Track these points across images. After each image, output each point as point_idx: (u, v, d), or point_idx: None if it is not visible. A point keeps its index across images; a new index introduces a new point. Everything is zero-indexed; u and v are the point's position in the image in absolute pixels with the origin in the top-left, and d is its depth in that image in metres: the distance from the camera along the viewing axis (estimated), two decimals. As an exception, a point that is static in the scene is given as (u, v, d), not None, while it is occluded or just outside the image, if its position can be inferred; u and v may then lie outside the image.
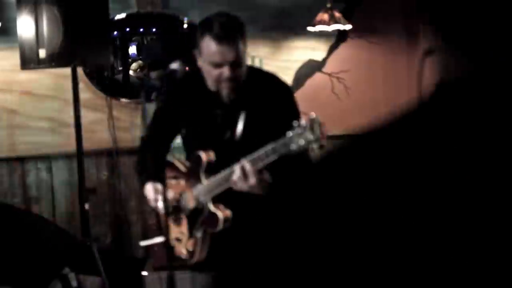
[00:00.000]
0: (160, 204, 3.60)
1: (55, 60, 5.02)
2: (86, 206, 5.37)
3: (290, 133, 3.04)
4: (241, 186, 3.32)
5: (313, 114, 3.00)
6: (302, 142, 3.00)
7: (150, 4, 6.09)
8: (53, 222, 5.86)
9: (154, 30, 5.92)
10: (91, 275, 5.34)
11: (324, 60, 6.85)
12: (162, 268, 5.22)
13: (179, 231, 3.71)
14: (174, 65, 3.51)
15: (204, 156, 3.53)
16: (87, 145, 5.45)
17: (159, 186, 3.62)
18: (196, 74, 3.60)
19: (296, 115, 3.56)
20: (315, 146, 2.99)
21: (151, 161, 3.86)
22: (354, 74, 6.90)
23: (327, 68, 6.85)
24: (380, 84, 7.06)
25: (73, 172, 5.96)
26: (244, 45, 3.46)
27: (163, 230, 3.81)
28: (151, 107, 6.08)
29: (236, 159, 3.36)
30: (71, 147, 5.60)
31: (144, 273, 5.32)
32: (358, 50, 6.92)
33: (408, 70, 7.10)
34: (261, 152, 3.22)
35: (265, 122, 3.50)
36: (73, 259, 5.33)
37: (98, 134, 6.08)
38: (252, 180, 3.28)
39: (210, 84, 3.51)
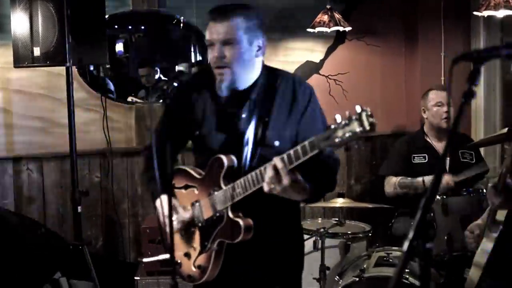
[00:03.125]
0: (175, 224, 3.40)
1: (50, 58, 4.87)
2: (79, 208, 5.25)
3: (334, 125, 2.72)
4: (273, 188, 3.01)
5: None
6: (348, 134, 2.67)
7: (146, 2, 5.97)
8: (44, 225, 5.72)
9: (143, 28, 5.82)
10: (83, 279, 5.23)
11: (322, 62, 6.78)
12: (154, 273, 5.17)
13: (188, 246, 3.46)
14: (181, 67, 3.33)
15: (225, 159, 3.27)
16: (79, 145, 5.32)
17: (174, 202, 3.45)
18: (207, 72, 3.41)
19: (322, 117, 3.43)
20: (361, 139, 2.70)
21: (160, 169, 3.66)
22: (352, 76, 6.86)
23: (324, 70, 6.79)
24: (378, 86, 7.02)
25: (65, 174, 5.85)
26: (245, 29, 3.25)
27: (168, 247, 3.63)
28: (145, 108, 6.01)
29: (258, 165, 3.14)
30: (63, 147, 5.51)
31: (136, 277, 5.20)
32: (356, 52, 6.87)
33: (406, 72, 7.04)
34: (297, 148, 2.92)
35: (288, 124, 3.33)
36: (64, 263, 5.22)
37: (91, 134, 5.96)
38: (286, 180, 2.97)
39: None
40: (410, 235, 1.99)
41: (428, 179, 5.57)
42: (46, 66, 5.13)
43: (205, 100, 3.39)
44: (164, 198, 3.47)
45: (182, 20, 5.90)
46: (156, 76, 6.45)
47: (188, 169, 3.46)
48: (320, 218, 6.09)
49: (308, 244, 5.36)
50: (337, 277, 5.04)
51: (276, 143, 3.30)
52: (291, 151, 2.93)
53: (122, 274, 5.76)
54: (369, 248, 5.30)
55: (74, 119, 5.21)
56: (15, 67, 4.98)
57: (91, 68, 5.74)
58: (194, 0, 6.08)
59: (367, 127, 2.62)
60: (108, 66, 5.73)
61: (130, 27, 5.77)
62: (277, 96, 3.35)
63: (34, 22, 4.85)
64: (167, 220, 3.41)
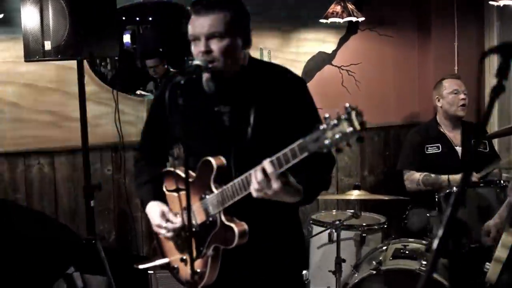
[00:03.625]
0: (165, 231, 3.32)
1: (61, 52, 4.81)
2: (92, 203, 5.21)
3: (322, 126, 2.59)
4: (263, 192, 2.90)
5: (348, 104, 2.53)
6: (338, 135, 2.53)
7: (156, -7, 5.92)
8: (56, 220, 5.68)
9: (150, 19, 5.78)
10: (96, 274, 5.20)
11: (334, 53, 6.74)
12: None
13: (184, 251, 3.36)
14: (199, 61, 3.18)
15: (214, 162, 3.14)
16: (91, 139, 5.28)
17: (165, 209, 3.35)
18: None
19: (314, 111, 3.31)
20: (352, 139, 2.52)
21: (149, 174, 3.54)
22: (365, 67, 6.82)
23: (337, 60, 6.74)
24: (391, 77, 6.98)
25: (76, 167, 5.81)
26: (230, 22, 3.09)
27: (165, 253, 3.55)
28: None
29: (249, 164, 3.00)
30: (74, 141, 5.48)
31: (150, 271, 5.16)
32: (368, 43, 6.83)
33: (419, 63, 7.00)
34: (286, 150, 2.78)
35: (277, 120, 3.19)
36: (78, 258, 5.18)
37: (102, 128, 5.90)
38: (276, 184, 2.86)
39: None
40: (440, 233, 1.94)
41: (453, 177, 5.53)
42: (57, 60, 5.07)
43: (190, 99, 3.12)
44: (153, 205, 3.40)
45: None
46: (164, 68, 6.43)
47: (178, 171, 3.29)
48: (334, 210, 6.06)
49: (323, 237, 5.34)
50: (353, 269, 5.00)
51: (267, 141, 3.13)
52: (280, 154, 2.80)
53: (136, 268, 5.72)
54: (385, 240, 5.26)
55: (86, 112, 5.17)
56: (25, 61, 4.93)
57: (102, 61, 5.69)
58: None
59: (358, 127, 2.49)
60: (116, 58, 5.68)
61: (137, 18, 5.72)
62: (265, 91, 3.23)
63: (44, 16, 4.79)
64: (158, 229, 3.37)
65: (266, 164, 2.85)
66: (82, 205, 5.51)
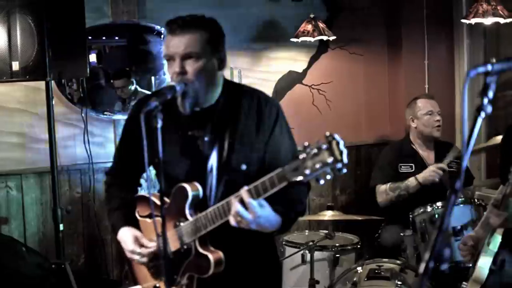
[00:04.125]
0: (140, 257, 3.20)
1: (29, 73, 4.72)
2: (61, 226, 5.12)
3: (302, 155, 2.53)
4: (240, 221, 2.84)
5: (328, 133, 2.47)
6: (318, 165, 2.47)
7: (125, 13, 5.84)
8: (24, 244, 5.57)
9: (116, 38, 5.71)
10: (66, 299, 5.11)
11: (305, 72, 6.72)
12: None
13: (158, 279, 3.26)
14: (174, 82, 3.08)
15: (189, 188, 3.06)
16: (59, 161, 5.21)
17: (138, 234, 3.24)
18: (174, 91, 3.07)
19: (289, 137, 3.24)
20: (332, 170, 2.47)
21: (121, 199, 3.42)
22: (335, 86, 6.81)
23: (307, 79, 6.72)
24: (362, 96, 6.98)
25: (45, 190, 5.71)
26: (205, 43, 3.02)
27: (137, 280, 3.44)
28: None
29: (225, 191, 2.99)
30: (43, 163, 5.39)
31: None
32: (339, 61, 6.82)
33: (390, 81, 6.99)
34: (264, 179, 2.73)
35: (253, 146, 3.12)
36: (47, 282, 5.07)
37: (71, 149, 5.81)
38: (253, 214, 2.80)
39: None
40: (426, 256, 1.91)
41: (420, 175, 5.50)
42: (25, 81, 4.99)
43: (164, 123, 2.91)
44: (125, 230, 3.29)
45: (163, 32, 5.79)
46: (132, 88, 6.34)
47: (152, 197, 3.08)
48: (306, 231, 6.00)
49: (296, 258, 5.28)
50: (328, 291, 4.96)
51: (243, 167, 3.09)
52: (258, 183, 2.75)
53: (106, 292, 5.65)
54: (359, 260, 5.22)
55: (54, 134, 5.07)
56: (-7, 82, 4.85)
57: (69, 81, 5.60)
58: (176, 10, 5.97)
59: (338, 157, 2.44)
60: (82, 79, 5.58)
61: (104, 37, 5.65)
62: (242, 116, 3.15)
63: (12, 36, 4.70)
64: (131, 255, 3.24)
65: (244, 193, 2.80)
66: (51, 228, 5.40)
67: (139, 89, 6.33)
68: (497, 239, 3.61)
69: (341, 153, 2.45)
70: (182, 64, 3.01)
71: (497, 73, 2.00)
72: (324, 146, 2.47)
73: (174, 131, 3.17)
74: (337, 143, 2.45)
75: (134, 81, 6.11)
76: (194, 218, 3.04)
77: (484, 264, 3.58)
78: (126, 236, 3.27)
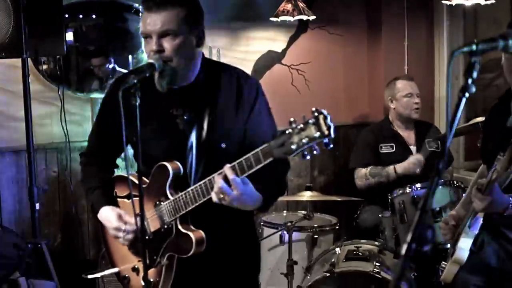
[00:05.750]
0: (124, 234, 3.17)
1: (5, 50, 4.67)
2: (37, 205, 5.06)
3: (288, 130, 2.51)
4: (223, 199, 2.82)
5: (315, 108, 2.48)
6: (305, 140, 2.46)
7: (103, -10, 5.78)
8: (0, 223, 5.52)
9: (94, 16, 5.63)
10: (42, 279, 5.06)
11: (284, 52, 6.68)
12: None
13: (137, 259, 3.23)
14: (153, 59, 3.04)
15: (170, 167, 3.04)
16: (36, 139, 5.14)
17: (121, 211, 3.21)
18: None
19: (269, 115, 3.24)
20: (319, 145, 2.47)
21: (99, 179, 3.39)
22: (314, 66, 6.78)
23: (286, 59, 6.68)
24: (341, 76, 6.96)
25: (21, 169, 5.64)
26: (183, 20, 2.99)
27: (114, 262, 3.43)
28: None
29: (205, 170, 2.98)
30: (19, 142, 5.33)
31: (97, 275, 5.03)
32: (318, 41, 6.79)
33: (369, 62, 6.97)
34: (249, 155, 2.71)
35: (232, 124, 3.12)
36: (23, 263, 5.03)
37: (47, 128, 5.75)
38: (236, 191, 2.79)
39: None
40: (408, 237, 1.89)
41: (399, 166, 5.51)
42: (1, 58, 4.91)
43: (143, 101, 2.87)
44: (107, 209, 3.26)
45: (141, 10, 5.72)
46: (110, 67, 6.27)
47: (130, 176, 3.04)
48: (284, 211, 5.98)
49: (274, 238, 5.27)
50: (306, 272, 4.94)
51: (223, 145, 3.09)
52: (242, 159, 2.73)
53: (83, 272, 5.59)
54: (337, 242, 5.22)
55: (31, 112, 5.01)
56: (-32, 60, 4.78)
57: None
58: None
59: (325, 132, 2.43)
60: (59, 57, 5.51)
61: (81, 15, 5.57)
62: (221, 94, 3.14)
63: (-12, 13, 4.64)
64: (116, 233, 3.20)
65: (227, 169, 2.78)
66: (27, 207, 5.34)
67: (117, 68, 6.26)
68: (478, 221, 3.62)
69: (328, 127, 2.44)
70: (159, 42, 2.99)
71: (481, 53, 1.99)
72: (311, 121, 2.46)
73: (153, 109, 3.14)
74: (325, 118, 2.45)
75: (112, 60, 6.05)
76: (175, 197, 3.02)
77: (464, 245, 3.58)
78: (109, 214, 3.23)
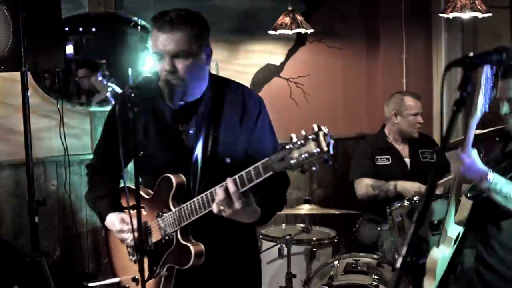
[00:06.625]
0: (128, 235, 3.21)
1: (4, 63, 4.65)
2: (36, 219, 5.06)
3: (288, 145, 2.53)
4: (223, 211, 2.85)
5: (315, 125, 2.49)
6: (304, 155, 2.47)
7: (102, 4, 5.79)
8: (-1, 237, 5.53)
9: (94, 30, 5.65)
10: (41, 292, 5.06)
11: (282, 65, 6.70)
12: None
13: (137, 270, 3.18)
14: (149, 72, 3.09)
15: (174, 179, 3.09)
16: (35, 153, 5.13)
17: (125, 216, 3.25)
18: (148, 85, 3.10)
19: (272, 132, 3.29)
20: (319, 160, 2.48)
21: (106, 188, 3.45)
22: (313, 79, 6.80)
23: (285, 72, 6.70)
24: (339, 89, 6.97)
25: (20, 182, 5.64)
26: (194, 39, 3.06)
27: (115, 272, 3.47)
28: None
29: (208, 183, 3.00)
30: (18, 155, 5.30)
31: (98, 283, 5.03)
32: (317, 54, 6.81)
33: (367, 74, 6.99)
34: (249, 169, 2.74)
35: (237, 141, 3.18)
36: (22, 276, 5.03)
37: (46, 141, 5.76)
38: (237, 204, 2.81)
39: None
40: (403, 251, 1.90)
41: (400, 186, 5.50)
42: (0, 72, 4.92)
43: (148, 116, 3.09)
44: (112, 215, 3.31)
45: (140, 23, 5.74)
46: (99, 79, 6.26)
47: (140, 191, 3.12)
48: (283, 224, 5.98)
49: (273, 252, 5.27)
50: (304, 285, 4.94)
51: (227, 159, 3.14)
52: (243, 173, 2.76)
53: (82, 285, 5.58)
54: (335, 255, 5.21)
55: (30, 125, 5.01)
56: (-33, 73, 4.78)
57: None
58: (152, 2, 5.92)
59: (325, 148, 2.44)
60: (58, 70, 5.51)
61: (80, 29, 5.58)
62: (226, 109, 3.20)
63: (-14, 26, 4.64)
64: (120, 235, 3.26)
65: (229, 182, 2.81)
66: (26, 221, 5.33)
67: (105, 82, 6.21)
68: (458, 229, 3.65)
69: (328, 144, 2.46)
70: (172, 62, 3.06)
71: (475, 67, 2.01)
72: (311, 137, 2.47)
73: (160, 124, 3.22)
74: (325, 134, 2.46)
75: (102, 74, 6.02)
76: (177, 209, 3.07)
77: (436, 254, 3.62)
78: (113, 219, 3.29)
